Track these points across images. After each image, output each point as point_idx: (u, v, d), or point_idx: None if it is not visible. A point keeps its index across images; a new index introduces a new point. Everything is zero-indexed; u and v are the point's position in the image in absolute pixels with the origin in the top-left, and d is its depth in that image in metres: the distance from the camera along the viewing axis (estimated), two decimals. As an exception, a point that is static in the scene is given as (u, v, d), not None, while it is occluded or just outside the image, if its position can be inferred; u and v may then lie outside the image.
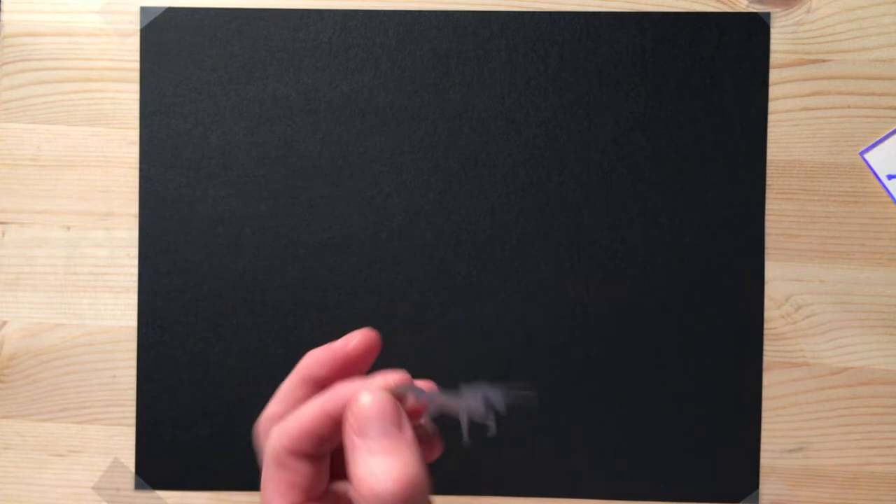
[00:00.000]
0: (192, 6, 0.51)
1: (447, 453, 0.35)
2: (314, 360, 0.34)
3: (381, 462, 0.28)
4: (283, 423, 0.32)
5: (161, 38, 0.51)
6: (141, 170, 0.51)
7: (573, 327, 0.50)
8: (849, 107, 0.50)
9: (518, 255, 0.50)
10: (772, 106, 0.50)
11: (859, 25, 0.50)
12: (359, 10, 0.51)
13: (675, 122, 0.50)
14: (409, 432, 0.30)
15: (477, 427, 0.33)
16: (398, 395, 0.31)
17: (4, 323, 0.51)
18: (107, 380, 0.51)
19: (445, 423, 0.34)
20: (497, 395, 0.32)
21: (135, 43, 0.51)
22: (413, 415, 0.32)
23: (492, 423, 0.33)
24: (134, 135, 0.51)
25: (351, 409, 0.30)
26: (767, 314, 0.50)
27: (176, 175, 0.51)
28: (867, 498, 0.50)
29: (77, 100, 0.51)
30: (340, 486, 0.34)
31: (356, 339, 0.34)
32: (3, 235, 0.51)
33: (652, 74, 0.50)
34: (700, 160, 0.50)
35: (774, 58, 0.50)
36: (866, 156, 0.50)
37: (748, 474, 0.50)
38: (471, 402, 0.33)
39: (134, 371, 0.51)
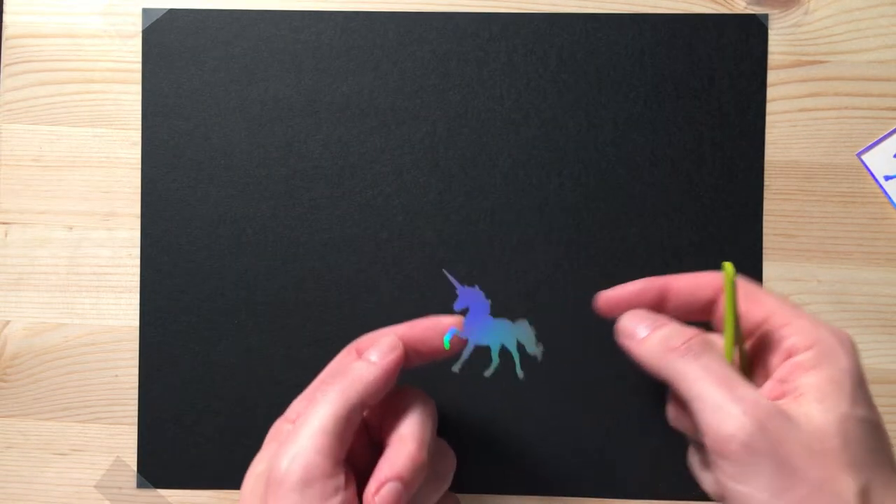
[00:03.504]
0: (193, 8, 0.51)
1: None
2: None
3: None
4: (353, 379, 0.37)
5: (163, 39, 0.51)
6: (143, 170, 0.51)
7: (573, 327, 0.50)
8: (846, 108, 0.50)
9: (518, 255, 0.50)
10: (770, 107, 0.50)
11: (857, 27, 0.50)
12: (359, 12, 0.51)
13: (674, 123, 0.50)
14: None
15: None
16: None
17: (7, 322, 0.51)
18: (109, 379, 0.51)
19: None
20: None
21: (137, 44, 0.51)
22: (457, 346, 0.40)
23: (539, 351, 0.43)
24: (136, 136, 0.51)
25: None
26: (765, 314, 0.50)
27: (178, 176, 0.51)
28: (865, 497, 0.50)
29: (79, 101, 0.51)
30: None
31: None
32: (6, 236, 0.51)
33: (650, 76, 0.50)
34: (698, 161, 0.50)
35: (772, 59, 0.50)
36: (863, 157, 0.50)
37: (746, 473, 0.50)
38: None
39: (136, 370, 0.51)
